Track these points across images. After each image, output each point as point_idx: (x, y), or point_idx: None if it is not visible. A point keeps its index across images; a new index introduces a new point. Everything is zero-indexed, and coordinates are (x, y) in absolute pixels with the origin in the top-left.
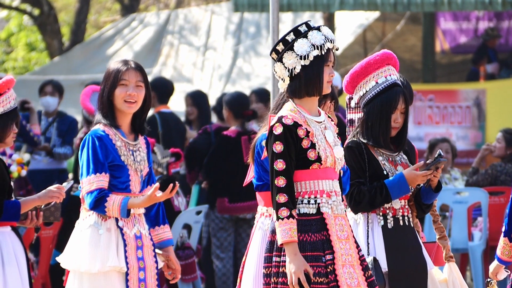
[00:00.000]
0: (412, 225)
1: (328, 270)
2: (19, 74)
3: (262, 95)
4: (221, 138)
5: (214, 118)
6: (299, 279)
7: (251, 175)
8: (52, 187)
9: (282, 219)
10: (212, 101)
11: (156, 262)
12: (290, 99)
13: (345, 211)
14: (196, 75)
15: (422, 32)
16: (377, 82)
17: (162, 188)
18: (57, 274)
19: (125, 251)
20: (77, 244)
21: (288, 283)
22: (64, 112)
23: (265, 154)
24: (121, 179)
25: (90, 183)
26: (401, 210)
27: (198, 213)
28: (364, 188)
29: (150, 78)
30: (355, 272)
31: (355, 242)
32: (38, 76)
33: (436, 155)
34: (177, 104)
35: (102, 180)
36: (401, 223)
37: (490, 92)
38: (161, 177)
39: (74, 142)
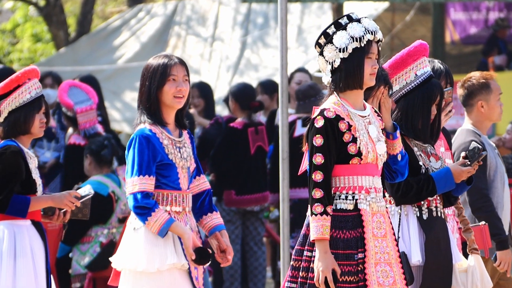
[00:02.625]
0: (443, 216)
1: (359, 268)
2: (24, 66)
3: (268, 86)
4: (228, 130)
5: (225, 110)
6: (325, 278)
7: (305, 164)
8: (69, 195)
9: (316, 215)
10: (220, 93)
11: None
12: (334, 92)
13: (386, 207)
14: (204, 66)
15: (432, 22)
16: (416, 74)
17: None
18: (64, 267)
19: (183, 249)
20: (132, 243)
21: (314, 280)
22: None
23: (306, 146)
24: (170, 178)
25: (133, 184)
26: (434, 201)
27: None
28: (412, 180)
29: None
30: (392, 270)
31: (395, 240)
32: (44, 68)
33: (471, 148)
34: None
35: (145, 183)
36: (435, 214)
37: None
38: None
39: (66, 142)
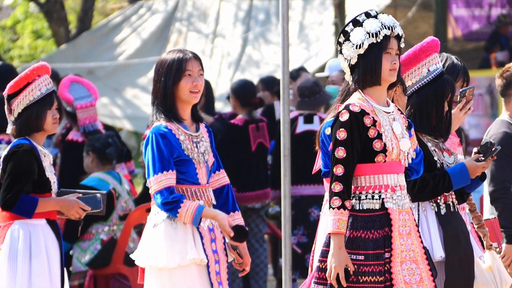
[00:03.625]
0: (458, 210)
1: (386, 268)
2: (25, 62)
3: (269, 83)
4: (229, 126)
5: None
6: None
7: (319, 163)
8: (77, 205)
9: (334, 208)
10: (221, 90)
11: (226, 255)
12: (358, 89)
13: (410, 205)
14: (205, 62)
15: (434, 19)
16: (429, 70)
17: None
18: (65, 263)
19: (203, 244)
20: (152, 239)
21: (327, 275)
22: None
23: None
24: (188, 173)
25: (158, 182)
26: (450, 197)
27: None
28: (428, 176)
29: None
30: (418, 267)
31: (419, 237)
32: None
33: (483, 144)
34: None
35: (170, 178)
36: (452, 209)
37: None
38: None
39: (54, 140)
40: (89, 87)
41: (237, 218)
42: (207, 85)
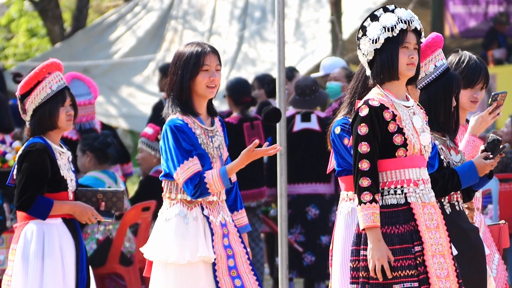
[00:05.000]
0: (463, 209)
1: (417, 261)
2: (20, 61)
3: (264, 81)
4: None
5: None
6: (382, 266)
7: (332, 162)
8: (91, 212)
9: (365, 203)
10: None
11: (245, 247)
12: (377, 85)
13: (435, 199)
14: None
15: (431, 16)
16: (435, 66)
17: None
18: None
19: (212, 240)
20: (163, 234)
21: (370, 270)
22: None
23: (351, 141)
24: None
25: (185, 170)
26: (455, 196)
27: None
28: (437, 175)
29: (153, 64)
30: (446, 262)
31: (446, 231)
32: (39, 63)
33: (490, 141)
34: None
35: (196, 163)
36: (457, 208)
37: (500, 77)
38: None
39: None
40: (90, 85)
41: (243, 217)
42: None
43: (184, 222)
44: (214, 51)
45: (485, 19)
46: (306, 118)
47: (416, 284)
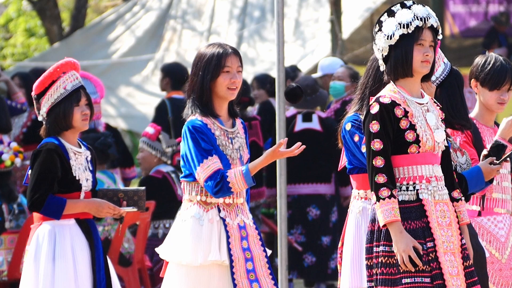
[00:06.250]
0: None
1: (430, 257)
2: (18, 61)
3: (263, 81)
4: None
5: None
6: (409, 257)
7: (343, 159)
8: (107, 206)
9: (384, 199)
10: None
11: (265, 250)
12: (391, 81)
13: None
14: None
15: None
16: (444, 62)
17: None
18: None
19: (228, 243)
20: (179, 235)
21: (399, 262)
22: None
23: (357, 138)
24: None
25: (205, 169)
26: None
27: None
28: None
29: (152, 64)
30: (455, 260)
31: (459, 229)
32: (38, 63)
33: (494, 146)
34: None
35: (216, 161)
36: None
37: None
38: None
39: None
40: (96, 84)
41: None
42: None
43: (199, 224)
44: (236, 53)
45: (486, 18)
46: (307, 118)
47: (428, 280)
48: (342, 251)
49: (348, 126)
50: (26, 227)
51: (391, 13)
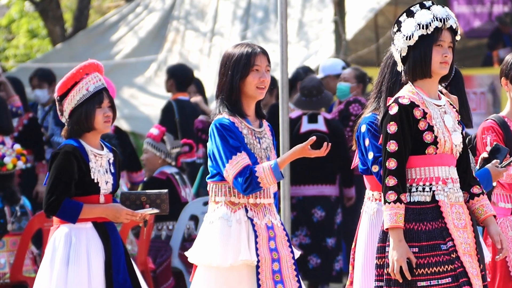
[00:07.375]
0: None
1: (453, 256)
2: (20, 62)
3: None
4: None
5: None
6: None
7: (356, 160)
8: (124, 212)
9: (389, 203)
10: None
11: (292, 252)
12: (409, 82)
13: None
14: (203, 61)
15: None
16: None
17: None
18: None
19: (256, 243)
20: (207, 237)
21: (390, 270)
22: None
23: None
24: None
25: (234, 165)
26: None
27: (205, 203)
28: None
29: (155, 65)
30: (473, 262)
31: (474, 231)
32: (40, 64)
33: (495, 149)
34: None
35: (244, 157)
36: None
37: None
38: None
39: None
40: (108, 85)
41: None
42: (201, 84)
43: (227, 225)
44: (264, 52)
45: (490, 19)
46: (313, 119)
47: (447, 280)
48: (354, 251)
49: (363, 128)
50: (28, 229)
51: (410, 14)
